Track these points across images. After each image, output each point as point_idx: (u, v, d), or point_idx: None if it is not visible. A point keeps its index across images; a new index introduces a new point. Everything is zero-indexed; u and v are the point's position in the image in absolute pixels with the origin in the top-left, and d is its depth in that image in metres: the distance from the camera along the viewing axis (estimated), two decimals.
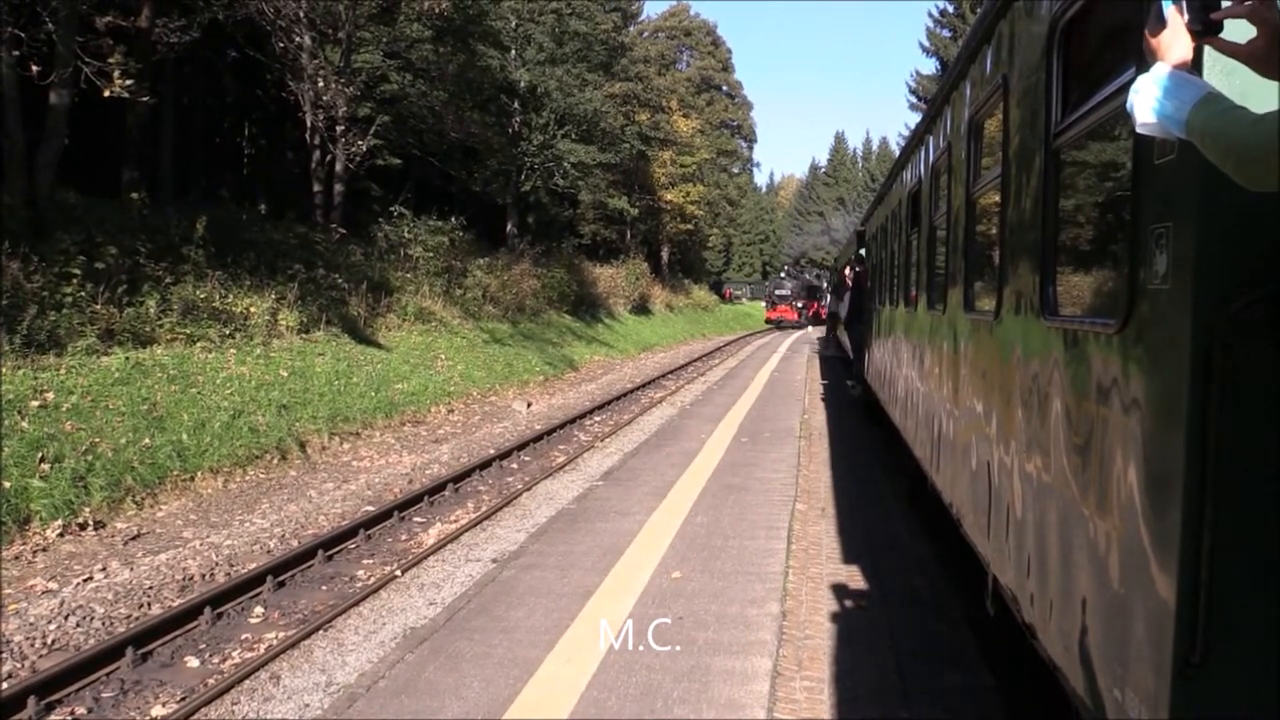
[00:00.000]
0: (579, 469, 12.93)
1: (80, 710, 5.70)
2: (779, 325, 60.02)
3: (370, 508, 10.48)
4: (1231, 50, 1.81)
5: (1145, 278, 2.41)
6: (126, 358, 12.26)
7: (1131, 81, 2.51)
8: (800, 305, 61.13)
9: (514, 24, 34.33)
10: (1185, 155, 2.20)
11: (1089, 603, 2.80)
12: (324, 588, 8.07)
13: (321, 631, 6.92)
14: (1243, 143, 1.55)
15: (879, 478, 11.04)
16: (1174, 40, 1.78)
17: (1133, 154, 2.53)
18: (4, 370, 10.40)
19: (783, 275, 68.14)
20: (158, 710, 5.71)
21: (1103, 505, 2.69)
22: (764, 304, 65.42)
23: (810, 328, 58.16)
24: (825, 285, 63.09)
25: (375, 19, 24.88)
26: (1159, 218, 2.34)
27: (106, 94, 12.98)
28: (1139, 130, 1.83)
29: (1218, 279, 2.09)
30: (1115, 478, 2.58)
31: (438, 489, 11.32)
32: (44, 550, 8.47)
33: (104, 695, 5.90)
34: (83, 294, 12.60)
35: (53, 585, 7.67)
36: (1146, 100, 1.77)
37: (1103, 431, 2.71)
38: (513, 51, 34.92)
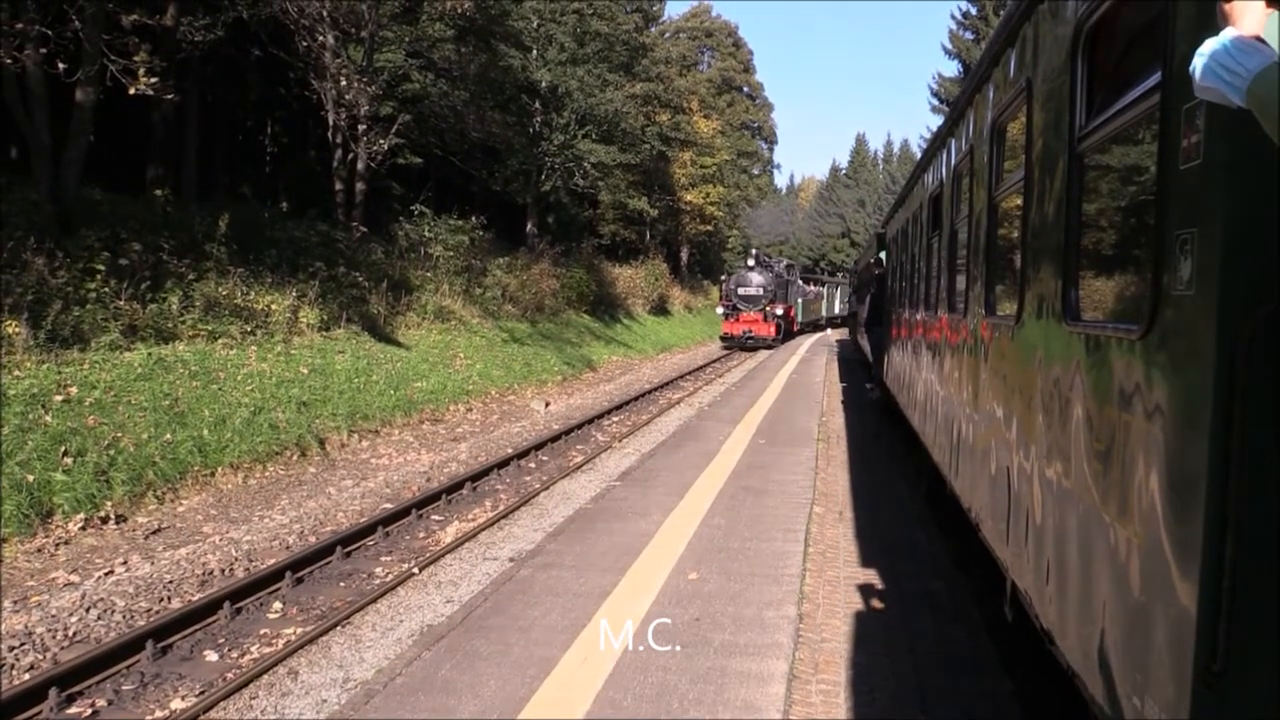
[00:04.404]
0: (596, 469, 12.95)
1: (101, 702, 5.76)
2: (744, 344, 37.90)
3: (389, 505, 10.52)
4: None
5: (1169, 283, 2.39)
6: (149, 353, 12.37)
7: (1156, 86, 2.51)
8: (780, 312, 39.57)
9: (536, 24, 34.42)
10: (1211, 160, 2.18)
11: (1108, 609, 2.78)
12: (342, 584, 8.12)
13: (339, 628, 6.96)
14: None
15: (897, 481, 11.00)
16: (1247, 8, 1.75)
17: (1157, 158, 2.51)
18: (29, 364, 10.52)
19: (750, 265, 40.41)
20: (177, 703, 5.75)
21: (1124, 512, 2.67)
22: (720, 310, 40.63)
23: (829, 330, 56.25)
24: (798, 282, 51.08)
25: (398, 18, 25.00)
26: (1184, 223, 2.32)
27: (131, 92, 13.08)
28: (1198, 94, 1.79)
29: (1243, 285, 2.07)
30: (1137, 484, 2.56)
31: (456, 487, 11.36)
32: (66, 543, 8.56)
33: (124, 688, 5.96)
34: (106, 290, 12.76)
35: (74, 578, 7.75)
36: (1209, 65, 1.73)
37: (1125, 437, 2.69)
38: (534, 51, 35.00)
